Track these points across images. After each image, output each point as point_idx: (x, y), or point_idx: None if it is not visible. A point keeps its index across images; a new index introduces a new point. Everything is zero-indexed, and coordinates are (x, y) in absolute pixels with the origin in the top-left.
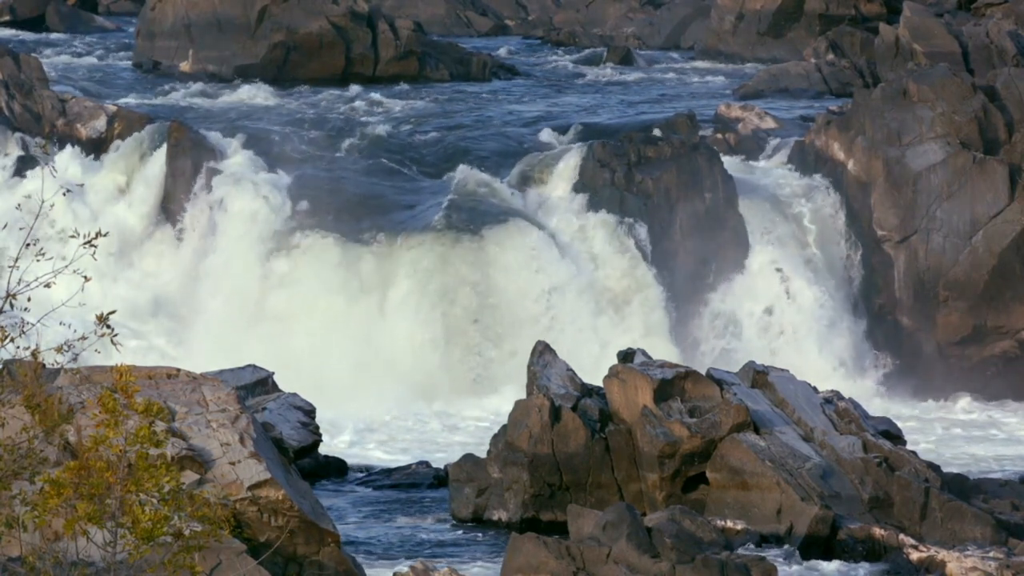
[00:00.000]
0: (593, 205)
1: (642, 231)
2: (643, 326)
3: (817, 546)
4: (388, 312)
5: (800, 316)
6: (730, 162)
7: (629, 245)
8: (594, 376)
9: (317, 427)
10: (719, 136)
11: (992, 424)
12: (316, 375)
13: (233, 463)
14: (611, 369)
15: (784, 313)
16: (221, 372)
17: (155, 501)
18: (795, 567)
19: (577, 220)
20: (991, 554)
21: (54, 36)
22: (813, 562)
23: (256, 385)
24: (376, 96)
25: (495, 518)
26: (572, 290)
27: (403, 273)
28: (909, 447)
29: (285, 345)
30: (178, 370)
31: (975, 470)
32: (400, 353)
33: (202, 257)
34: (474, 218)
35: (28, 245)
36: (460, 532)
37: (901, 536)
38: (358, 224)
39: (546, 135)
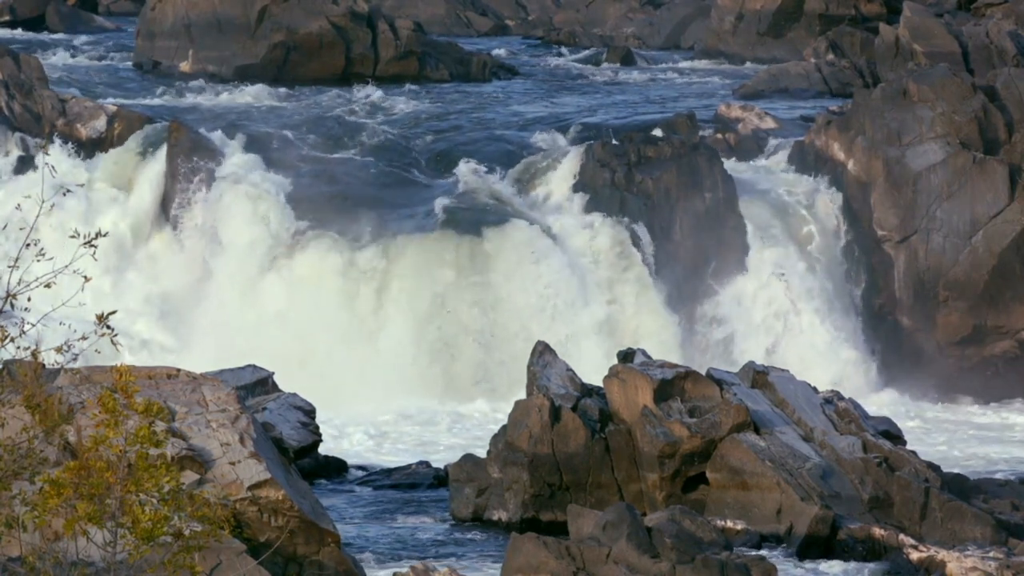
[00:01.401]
0: (593, 205)
1: (648, 246)
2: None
3: (817, 546)
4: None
5: (805, 338)
6: (731, 163)
7: (643, 276)
8: (594, 377)
9: (317, 427)
10: (719, 136)
11: (1005, 427)
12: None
13: (233, 463)
14: (611, 369)
15: (789, 346)
16: (221, 372)
17: (155, 501)
18: (795, 567)
19: (582, 230)
20: (991, 554)
21: (54, 36)
22: (813, 562)
23: (256, 385)
24: (376, 96)
25: (495, 518)
26: (589, 332)
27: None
28: (918, 448)
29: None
30: (178, 370)
31: (984, 472)
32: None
33: (201, 264)
34: (475, 229)
35: (28, 245)
36: (460, 532)
37: (901, 536)
38: (357, 233)
39: (546, 135)
